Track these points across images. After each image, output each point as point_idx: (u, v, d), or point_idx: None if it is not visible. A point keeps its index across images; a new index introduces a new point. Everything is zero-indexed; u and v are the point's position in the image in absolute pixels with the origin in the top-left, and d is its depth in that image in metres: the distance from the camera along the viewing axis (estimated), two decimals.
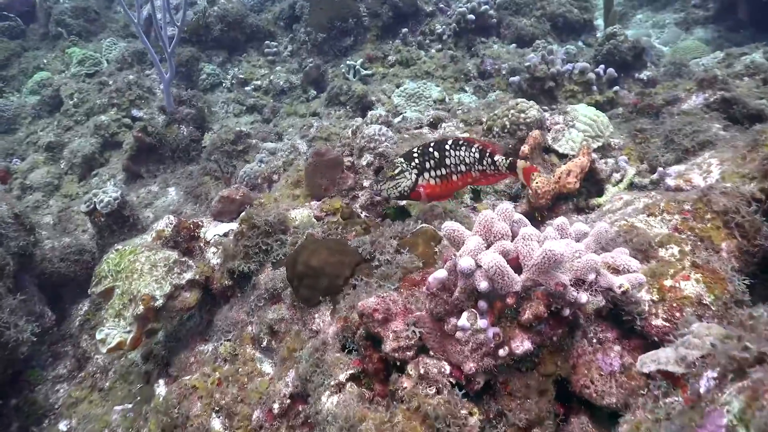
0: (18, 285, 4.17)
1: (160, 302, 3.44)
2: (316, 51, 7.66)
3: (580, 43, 7.94)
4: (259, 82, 7.62)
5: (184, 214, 4.99)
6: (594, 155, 3.78)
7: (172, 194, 5.48)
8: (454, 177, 2.98)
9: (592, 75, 5.93)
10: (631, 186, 3.60)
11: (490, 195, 3.82)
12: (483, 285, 1.81)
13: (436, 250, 2.80)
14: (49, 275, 4.75)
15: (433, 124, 4.48)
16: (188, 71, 7.69)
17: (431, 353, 2.02)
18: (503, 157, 2.87)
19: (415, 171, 3.00)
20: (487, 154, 2.88)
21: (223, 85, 7.69)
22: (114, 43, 8.42)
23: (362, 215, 3.85)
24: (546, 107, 5.68)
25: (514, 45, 7.51)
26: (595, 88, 5.96)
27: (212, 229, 3.90)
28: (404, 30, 7.69)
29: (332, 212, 3.71)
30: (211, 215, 3.89)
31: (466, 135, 4.03)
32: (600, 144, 3.97)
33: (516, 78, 5.97)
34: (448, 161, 2.95)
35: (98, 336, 3.43)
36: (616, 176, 3.78)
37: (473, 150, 2.90)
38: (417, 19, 7.95)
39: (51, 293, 4.67)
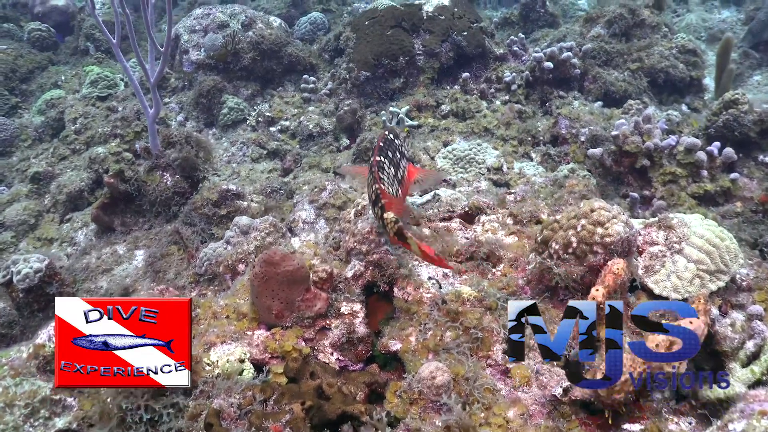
0: None
1: None
2: (357, 92, 6.39)
3: (684, 107, 6.35)
4: (287, 123, 6.42)
5: (135, 291, 3.82)
6: (713, 310, 2.31)
7: (138, 260, 4.31)
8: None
9: (702, 155, 4.43)
10: None
11: (534, 351, 2.39)
12: None
13: None
14: None
15: (469, 216, 3.09)
16: (209, 103, 6.58)
17: None
18: (394, 216, 2.16)
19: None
20: (380, 205, 2.21)
21: (247, 122, 6.54)
22: None
23: (333, 357, 2.51)
24: (636, 212, 4.24)
25: (599, 103, 6.02)
26: (705, 173, 4.44)
27: None
28: (465, 75, 6.32)
29: (281, 355, 2.39)
30: None
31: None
32: (722, 285, 2.48)
33: (597, 150, 4.51)
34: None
35: None
36: (749, 347, 2.30)
37: (374, 188, 2.28)
38: (483, 62, 6.57)
39: None
